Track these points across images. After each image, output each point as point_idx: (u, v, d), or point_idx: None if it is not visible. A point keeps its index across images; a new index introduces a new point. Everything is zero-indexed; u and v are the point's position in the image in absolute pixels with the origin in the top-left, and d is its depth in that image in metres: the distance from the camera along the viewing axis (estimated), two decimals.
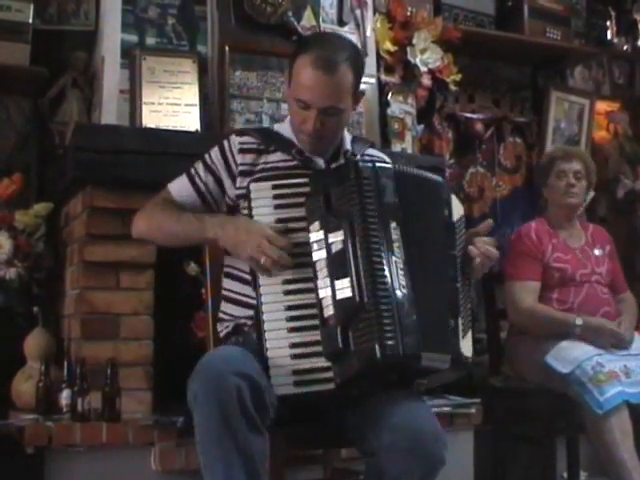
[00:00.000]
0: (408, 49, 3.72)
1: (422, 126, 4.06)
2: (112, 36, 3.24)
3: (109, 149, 2.91)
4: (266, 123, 3.33)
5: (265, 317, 2.02)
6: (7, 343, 3.13)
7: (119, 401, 2.78)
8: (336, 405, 2.11)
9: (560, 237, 3.48)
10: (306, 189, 2.09)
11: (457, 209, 2.26)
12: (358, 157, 2.31)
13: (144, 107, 3.16)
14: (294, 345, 2.01)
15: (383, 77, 3.72)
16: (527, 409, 3.46)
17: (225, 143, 2.31)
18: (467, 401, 3.35)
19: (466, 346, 2.18)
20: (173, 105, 3.21)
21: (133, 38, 3.25)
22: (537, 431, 3.39)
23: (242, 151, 2.28)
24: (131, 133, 3.03)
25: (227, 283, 2.33)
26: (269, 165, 2.26)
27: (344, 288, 1.98)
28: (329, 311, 1.98)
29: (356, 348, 1.95)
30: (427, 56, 3.74)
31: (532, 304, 3.34)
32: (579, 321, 3.23)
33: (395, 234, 2.05)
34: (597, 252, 3.50)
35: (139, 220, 2.34)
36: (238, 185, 2.24)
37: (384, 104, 3.70)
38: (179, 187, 2.33)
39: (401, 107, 3.75)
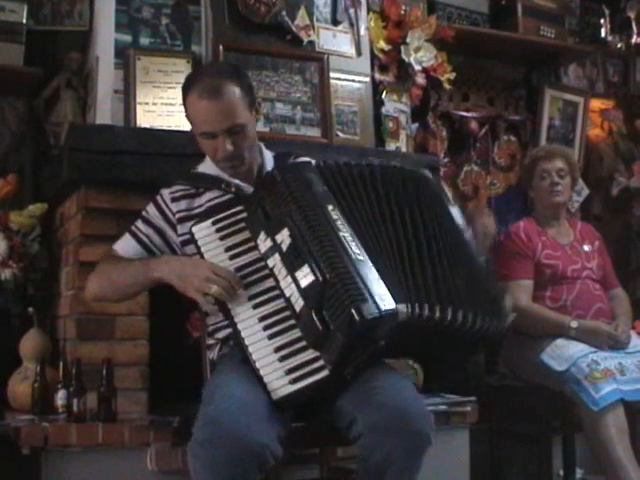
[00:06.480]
0: (402, 48, 3.72)
1: (416, 125, 4.06)
2: (106, 36, 3.23)
3: (104, 149, 2.90)
4: (260, 123, 3.32)
5: (244, 334, 2.09)
6: (2, 344, 3.12)
7: (115, 401, 2.77)
8: (331, 395, 2.12)
9: (549, 234, 3.50)
10: (244, 215, 2.19)
11: None
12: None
13: (138, 107, 3.15)
14: (278, 348, 2.07)
15: (377, 76, 3.72)
16: (523, 407, 3.47)
17: (158, 197, 2.42)
18: (463, 399, 3.34)
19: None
20: (167, 105, 3.21)
21: (127, 38, 3.24)
22: (533, 429, 3.40)
23: (174, 200, 2.38)
24: (126, 133, 3.02)
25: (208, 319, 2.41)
26: (204, 206, 2.36)
27: (306, 275, 2.02)
28: (299, 304, 2.02)
29: (335, 324, 1.96)
30: (421, 55, 3.74)
31: (528, 304, 3.35)
32: (574, 324, 3.23)
33: (335, 214, 2.10)
34: (586, 248, 3.52)
35: (90, 282, 2.44)
36: (180, 232, 2.35)
37: (378, 103, 3.71)
38: (124, 245, 2.43)
39: (395, 106, 3.76)
